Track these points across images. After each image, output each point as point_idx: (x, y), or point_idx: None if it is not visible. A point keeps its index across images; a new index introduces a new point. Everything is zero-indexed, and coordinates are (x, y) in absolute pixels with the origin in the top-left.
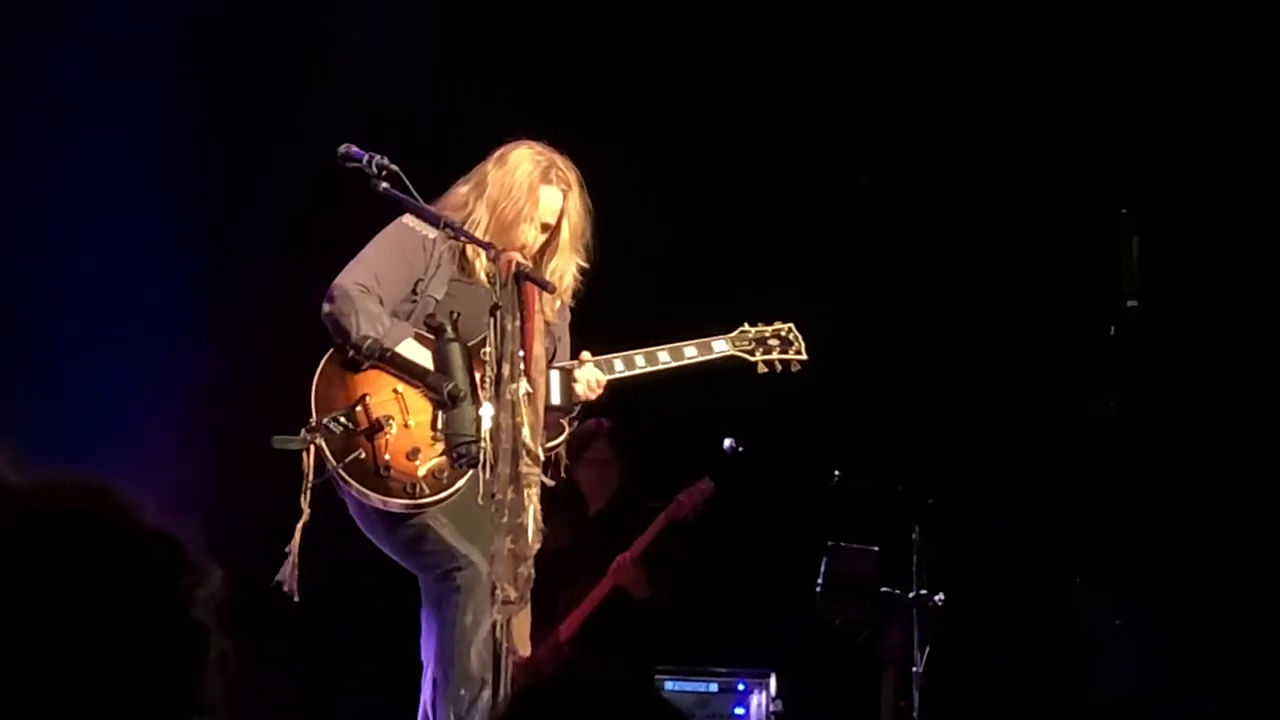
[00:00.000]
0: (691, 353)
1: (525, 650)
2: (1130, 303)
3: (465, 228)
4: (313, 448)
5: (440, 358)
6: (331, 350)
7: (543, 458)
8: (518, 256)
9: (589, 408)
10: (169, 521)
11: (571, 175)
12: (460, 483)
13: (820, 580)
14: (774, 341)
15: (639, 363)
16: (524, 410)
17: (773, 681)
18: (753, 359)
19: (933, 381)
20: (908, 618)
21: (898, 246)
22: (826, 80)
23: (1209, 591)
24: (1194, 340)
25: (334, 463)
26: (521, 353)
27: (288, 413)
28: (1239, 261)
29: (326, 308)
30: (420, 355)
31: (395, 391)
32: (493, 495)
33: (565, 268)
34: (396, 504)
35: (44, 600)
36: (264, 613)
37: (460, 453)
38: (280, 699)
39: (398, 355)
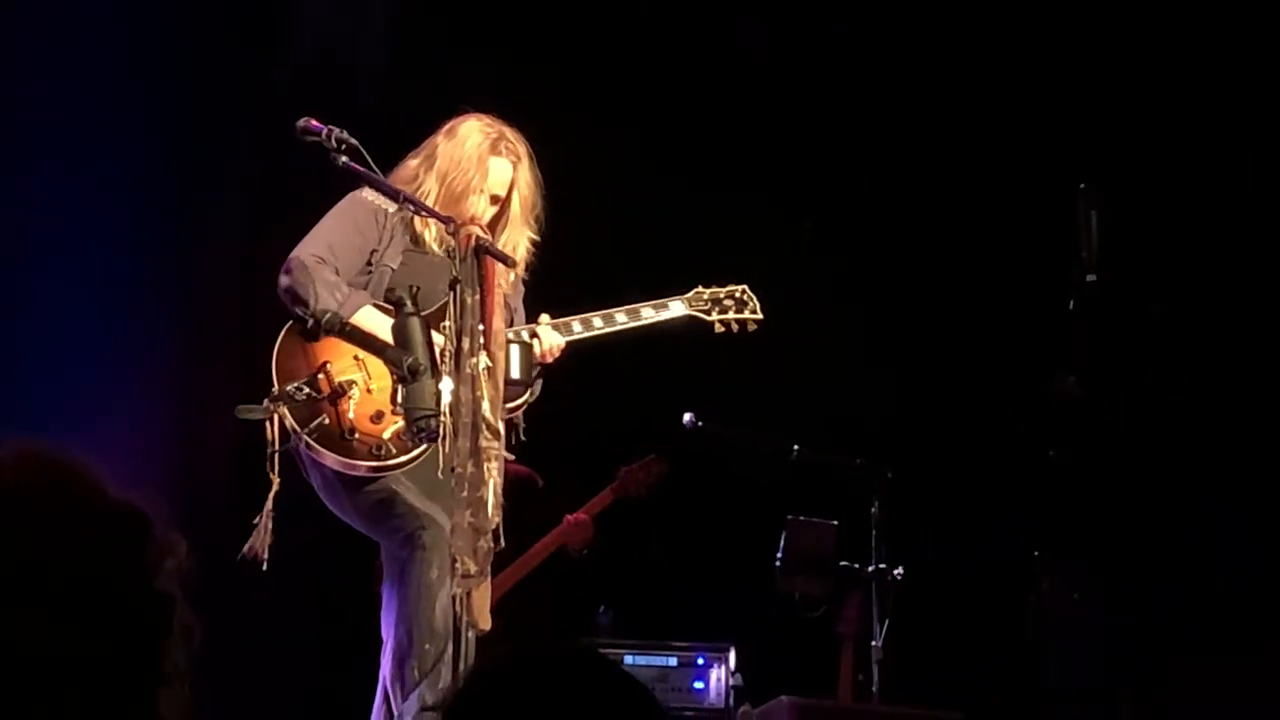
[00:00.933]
0: (649, 314)
1: (485, 624)
2: (1090, 278)
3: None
4: (276, 416)
5: (399, 332)
6: (290, 322)
7: (503, 431)
8: (477, 230)
9: (550, 371)
10: (135, 494)
11: (521, 148)
12: (423, 446)
13: (779, 554)
14: (729, 302)
15: (596, 324)
16: (484, 384)
17: (732, 655)
18: (709, 319)
19: (892, 355)
20: (867, 592)
21: (857, 221)
22: (788, 54)
23: (1167, 571)
24: (1155, 317)
25: (299, 430)
26: (481, 327)
27: (250, 383)
28: (1202, 236)
29: (284, 280)
30: (380, 321)
31: (356, 358)
32: (452, 469)
33: (517, 240)
34: (363, 467)
35: (6, 571)
36: (230, 586)
37: (420, 427)
38: (246, 670)
39: (357, 329)
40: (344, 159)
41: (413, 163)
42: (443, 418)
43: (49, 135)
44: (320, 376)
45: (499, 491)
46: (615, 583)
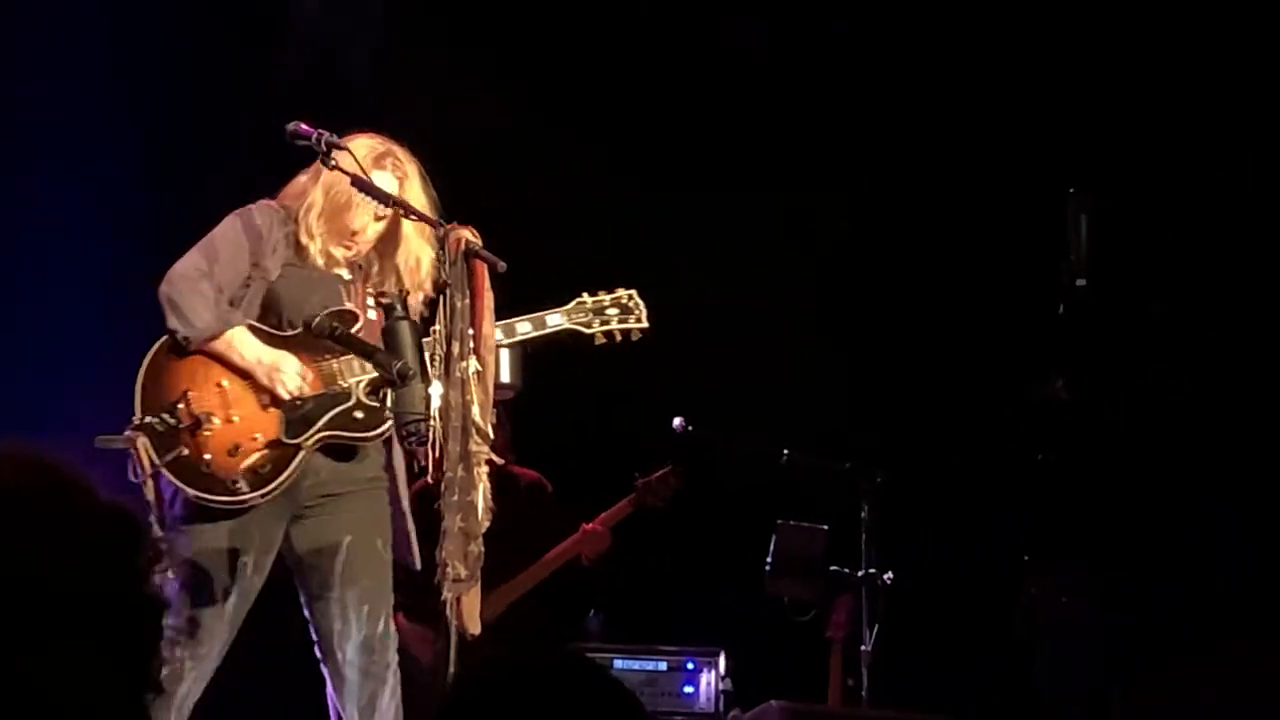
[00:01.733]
0: (525, 328)
1: (475, 628)
2: (1079, 281)
3: (304, 214)
4: (138, 444)
5: (390, 335)
6: (162, 340)
7: (492, 436)
8: (467, 234)
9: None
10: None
11: (410, 167)
12: (281, 478)
13: (769, 558)
14: (613, 310)
15: (522, 329)
16: (474, 388)
17: (721, 660)
18: (589, 331)
19: (882, 360)
20: (857, 596)
21: (846, 226)
22: (782, 54)
23: (1154, 573)
24: (1155, 317)
25: (156, 460)
26: (471, 331)
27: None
28: (1191, 240)
29: (162, 290)
30: (250, 341)
31: (219, 385)
32: (442, 473)
33: (417, 253)
34: (217, 501)
35: (3, 574)
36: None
37: (409, 430)
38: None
39: (347, 333)
40: (334, 163)
41: (302, 178)
42: (432, 422)
43: (49, 135)
44: (180, 406)
45: (489, 496)
46: (605, 587)
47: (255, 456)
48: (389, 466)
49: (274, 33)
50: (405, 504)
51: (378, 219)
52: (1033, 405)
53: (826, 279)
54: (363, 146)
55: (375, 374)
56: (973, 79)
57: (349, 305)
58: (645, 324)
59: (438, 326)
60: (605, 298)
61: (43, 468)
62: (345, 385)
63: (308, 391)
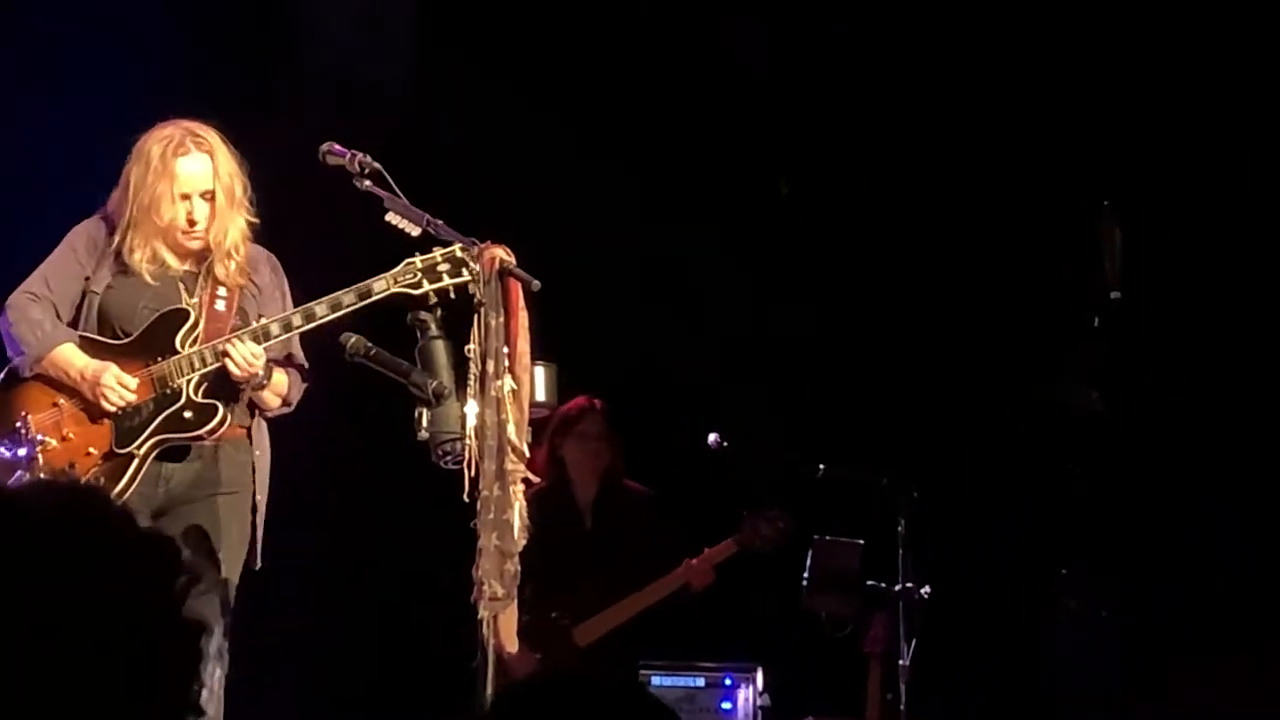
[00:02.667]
0: (350, 300)
1: (512, 647)
2: (1114, 294)
3: (122, 229)
4: None
5: (424, 355)
6: (6, 370)
7: (527, 454)
8: (501, 253)
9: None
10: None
11: (212, 136)
12: (116, 489)
13: (806, 574)
14: (444, 266)
15: (296, 322)
16: (509, 407)
17: (759, 675)
18: (418, 291)
19: (918, 374)
20: (894, 610)
21: (884, 241)
22: (792, 66)
23: (1192, 585)
24: (1179, 332)
25: None
26: (506, 349)
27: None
28: (1223, 252)
29: (0, 321)
30: (75, 357)
31: (55, 405)
32: (477, 492)
33: (225, 227)
34: None
35: (39, 603)
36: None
37: (445, 450)
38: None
39: (381, 352)
40: (367, 183)
41: (116, 195)
42: (468, 441)
43: (76, 168)
44: (20, 428)
45: (524, 514)
46: (663, 605)
47: (90, 471)
48: (251, 477)
49: (300, 51)
50: (260, 514)
51: (204, 198)
52: (1068, 417)
53: (863, 292)
54: (154, 143)
55: (208, 370)
56: (1012, 97)
57: (180, 304)
58: (471, 276)
59: (473, 345)
60: (437, 254)
61: (81, 496)
62: (176, 385)
63: (134, 399)
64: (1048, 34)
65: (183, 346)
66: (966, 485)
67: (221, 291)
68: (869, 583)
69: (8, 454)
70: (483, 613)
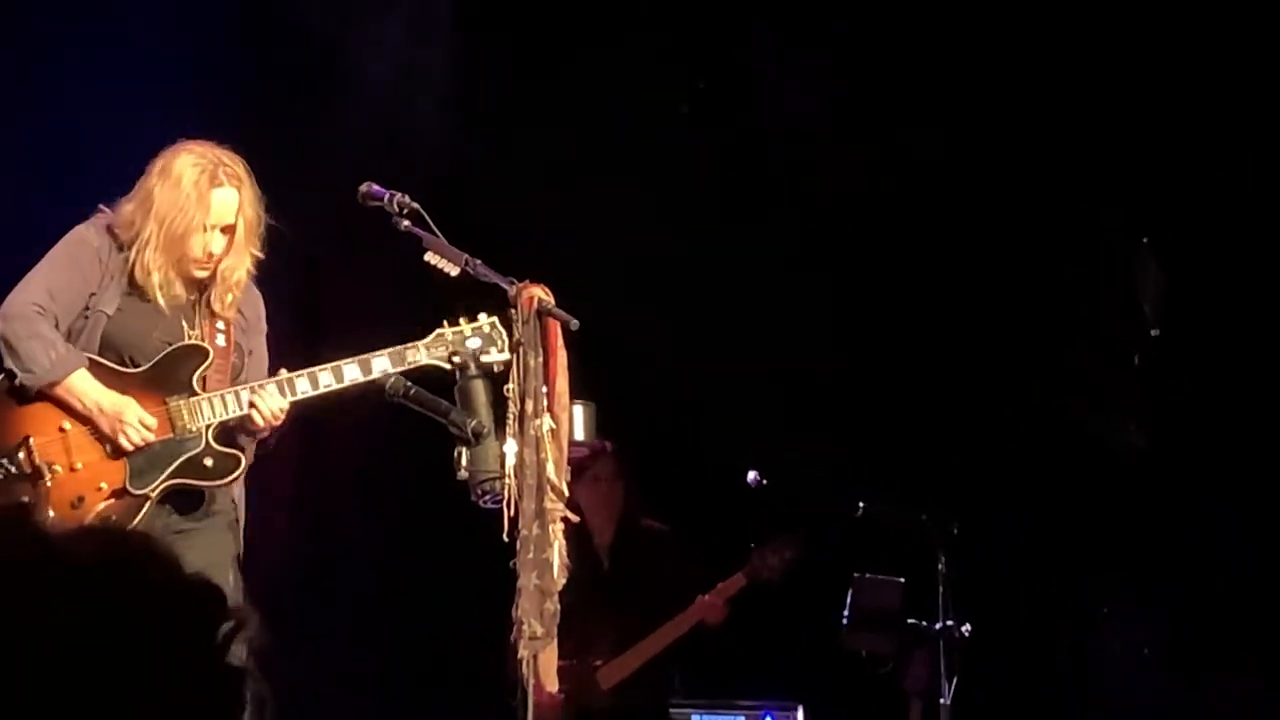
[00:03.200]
0: (383, 365)
1: (552, 686)
2: (1154, 332)
3: (134, 247)
4: None
5: (463, 394)
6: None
7: (566, 493)
8: (539, 293)
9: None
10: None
11: (240, 169)
12: (132, 527)
13: (846, 611)
14: (474, 340)
15: (324, 381)
16: (548, 446)
17: (800, 714)
18: (449, 366)
19: (958, 411)
20: (934, 649)
21: (921, 276)
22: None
23: (1231, 620)
24: (1218, 368)
25: None
26: (544, 388)
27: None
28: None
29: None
30: (90, 386)
31: (61, 430)
32: (517, 531)
33: (239, 264)
34: None
35: (81, 652)
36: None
37: (484, 489)
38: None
39: (421, 392)
40: (406, 223)
41: (128, 208)
42: (507, 480)
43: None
44: (22, 453)
45: (564, 553)
46: (681, 642)
47: (100, 507)
48: (235, 499)
49: (338, 88)
50: (241, 537)
51: (223, 233)
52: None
53: (901, 328)
54: (190, 166)
55: (227, 418)
56: (1052, 133)
57: (193, 339)
58: (507, 354)
59: (511, 384)
60: (466, 328)
61: (123, 542)
62: (195, 429)
63: (153, 439)
64: (1087, 66)
65: (199, 386)
66: (1007, 522)
67: (220, 325)
68: (909, 620)
69: (4, 473)
70: (522, 652)
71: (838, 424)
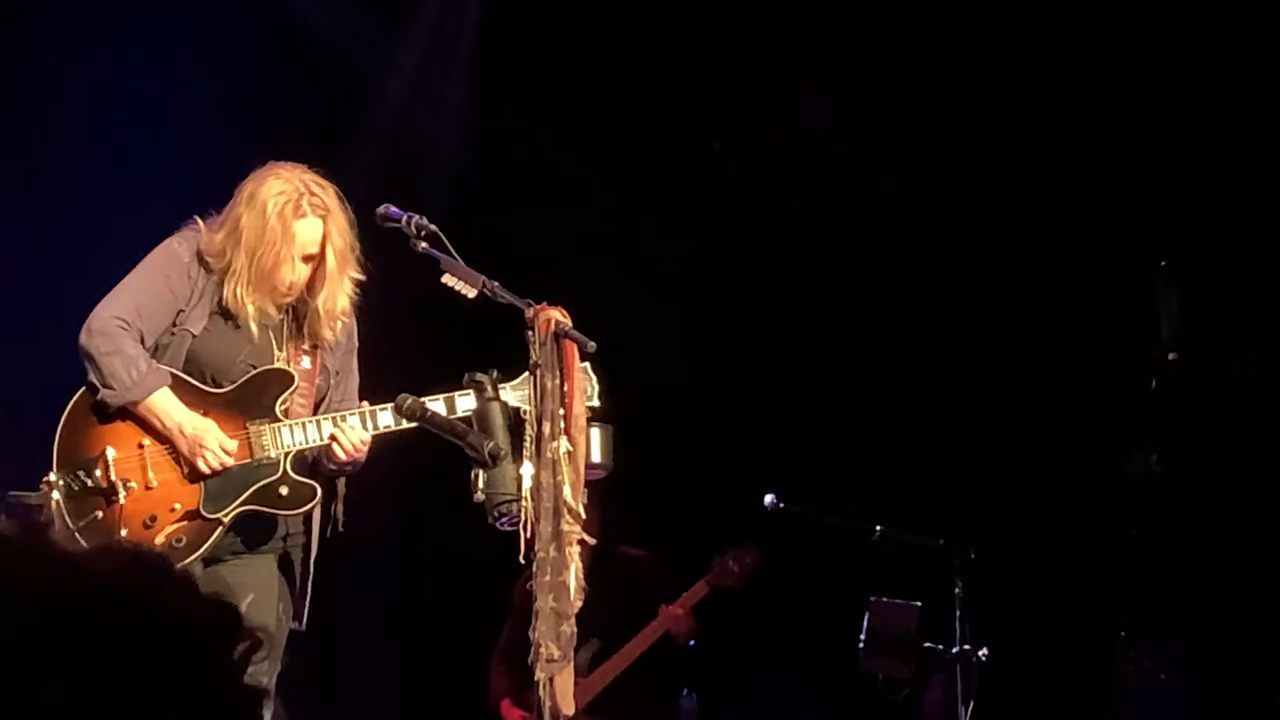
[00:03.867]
0: (467, 403)
1: (569, 709)
2: (1171, 355)
3: (228, 277)
4: (52, 503)
5: (481, 417)
6: (81, 391)
7: (583, 516)
8: (556, 315)
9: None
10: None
11: (327, 197)
12: (197, 554)
13: (862, 636)
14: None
15: (407, 409)
16: (565, 468)
17: None
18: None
19: (973, 435)
20: (951, 673)
21: (933, 302)
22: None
23: (1251, 650)
24: (1235, 394)
25: (70, 524)
26: (562, 411)
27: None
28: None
29: (82, 341)
30: (173, 406)
31: (140, 447)
32: (533, 553)
33: (336, 293)
34: None
35: (98, 671)
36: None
37: (501, 512)
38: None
39: (437, 416)
40: (423, 244)
41: (219, 237)
42: (524, 502)
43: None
44: (99, 469)
45: (580, 576)
46: (698, 665)
47: (171, 528)
48: (307, 524)
49: (357, 111)
50: (311, 563)
51: (305, 261)
52: (1126, 479)
53: (916, 354)
54: (275, 195)
55: (307, 447)
56: (1067, 153)
57: (280, 364)
58: (596, 401)
59: (528, 407)
60: (486, 382)
61: (141, 562)
62: (273, 456)
63: (231, 464)
64: (1101, 87)
65: (281, 412)
66: (1024, 546)
67: (306, 346)
68: (926, 645)
69: (80, 486)
70: (539, 674)
71: (855, 448)
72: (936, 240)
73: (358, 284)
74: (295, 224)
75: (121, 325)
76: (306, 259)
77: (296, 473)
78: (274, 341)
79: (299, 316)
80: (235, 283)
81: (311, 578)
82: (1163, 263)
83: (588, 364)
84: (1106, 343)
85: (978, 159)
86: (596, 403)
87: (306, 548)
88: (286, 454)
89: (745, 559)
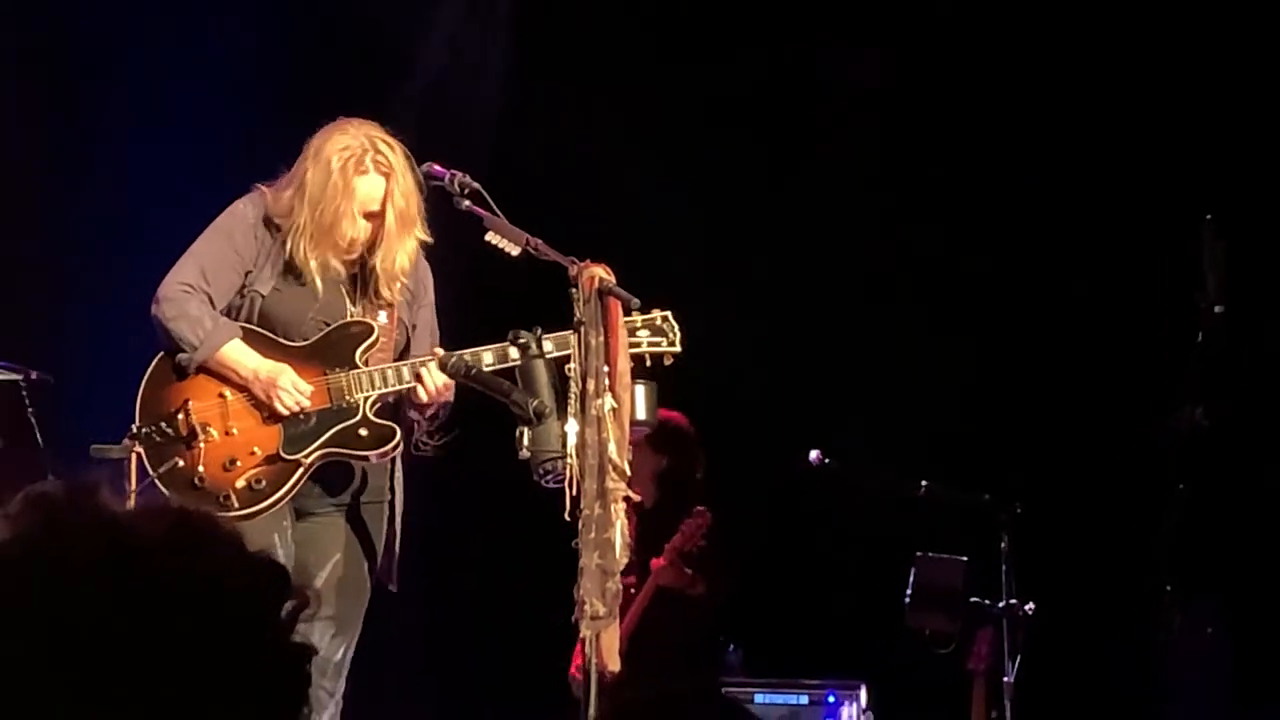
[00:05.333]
0: (548, 348)
1: (615, 665)
2: (1217, 309)
3: (292, 233)
4: (133, 455)
5: (525, 374)
6: (161, 354)
7: (628, 472)
8: (600, 272)
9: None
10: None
11: (394, 155)
12: (277, 495)
13: (909, 591)
14: (644, 332)
15: (487, 360)
16: (610, 426)
17: (863, 693)
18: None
19: (1020, 389)
20: (997, 627)
21: (981, 256)
22: (901, 91)
23: None
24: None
25: (151, 470)
26: (606, 368)
27: None
28: None
29: (153, 311)
30: (245, 355)
31: (220, 396)
32: (579, 511)
33: (394, 252)
34: None
35: (144, 629)
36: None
37: (546, 469)
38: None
39: (483, 373)
40: (466, 203)
41: (287, 194)
42: (569, 460)
43: (166, 178)
44: (180, 416)
45: (626, 533)
46: (744, 621)
47: (252, 472)
48: (392, 482)
49: (397, 69)
50: (399, 523)
51: (367, 219)
52: (1172, 434)
53: (963, 309)
54: (338, 152)
55: (388, 391)
56: (1112, 105)
57: (355, 315)
58: (678, 347)
59: (573, 364)
60: (637, 319)
61: (189, 521)
62: (353, 400)
63: (309, 406)
64: (1147, 40)
65: (361, 362)
66: (1070, 501)
67: (381, 303)
68: (972, 599)
69: (161, 436)
70: (585, 631)
71: (901, 404)
72: (982, 195)
73: (423, 244)
74: (356, 180)
75: (186, 290)
76: (368, 215)
77: (377, 418)
78: (345, 297)
79: (366, 274)
80: (299, 237)
81: (399, 538)
82: (1208, 215)
83: (669, 312)
84: (1152, 296)
85: (1025, 113)
86: (678, 348)
87: (393, 505)
88: (367, 399)
89: (698, 522)
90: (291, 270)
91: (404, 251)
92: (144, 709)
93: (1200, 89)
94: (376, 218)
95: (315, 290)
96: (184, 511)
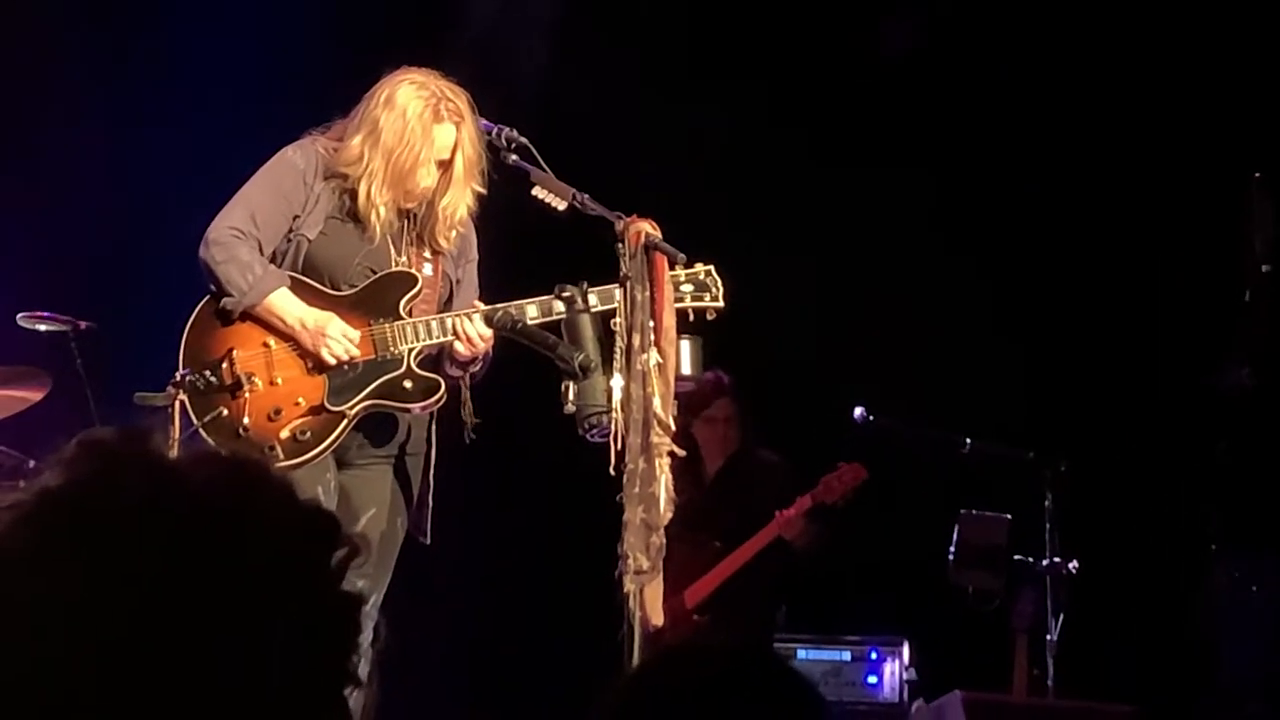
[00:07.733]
0: (594, 302)
1: (658, 620)
2: (1265, 267)
3: (362, 179)
4: (177, 403)
5: (571, 328)
6: (206, 298)
7: (673, 427)
8: (646, 227)
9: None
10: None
11: (461, 103)
12: (322, 446)
13: (952, 548)
14: (688, 286)
15: (531, 313)
16: (655, 380)
17: (905, 650)
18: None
19: (1064, 348)
20: (1041, 585)
21: (1023, 216)
22: (946, 43)
23: None
24: None
25: (195, 419)
26: (651, 323)
27: None
28: None
29: (201, 253)
30: (292, 304)
31: (265, 346)
32: (623, 465)
33: (458, 200)
34: None
35: (201, 578)
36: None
37: (591, 424)
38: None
39: (528, 327)
40: (513, 157)
41: (355, 141)
42: (614, 414)
43: (205, 129)
44: (224, 365)
45: (670, 487)
46: (787, 578)
47: (297, 422)
48: (429, 435)
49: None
50: (433, 475)
51: (438, 168)
52: (1218, 392)
53: (1008, 267)
54: (414, 99)
55: (431, 343)
56: (1159, 64)
57: (401, 266)
58: (721, 302)
59: (618, 319)
60: (681, 273)
61: (241, 469)
62: (397, 352)
63: (355, 354)
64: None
65: (405, 312)
66: (1114, 459)
67: (427, 254)
68: (1015, 557)
69: (205, 384)
70: (628, 586)
71: (946, 361)
72: (1032, 151)
73: (479, 197)
74: (435, 128)
75: (236, 234)
76: (440, 164)
77: (421, 370)
78: (392, 246)
79: (418, 223)
80: (370, 183)
81: (433, 490)
82: (1256, 174)
83: (711, 266)
84: (1199, 255)
85: (1078, 68)
86: (722, 303)
87: (428, 458)
88: (411, 350)
89: (845, 476)
90: (342, 216)
91: (465, 201)
92: (195, 653)
93: (1252, 44)
94: (446, 165)
95: (371, 235)
96: (236, 457)
